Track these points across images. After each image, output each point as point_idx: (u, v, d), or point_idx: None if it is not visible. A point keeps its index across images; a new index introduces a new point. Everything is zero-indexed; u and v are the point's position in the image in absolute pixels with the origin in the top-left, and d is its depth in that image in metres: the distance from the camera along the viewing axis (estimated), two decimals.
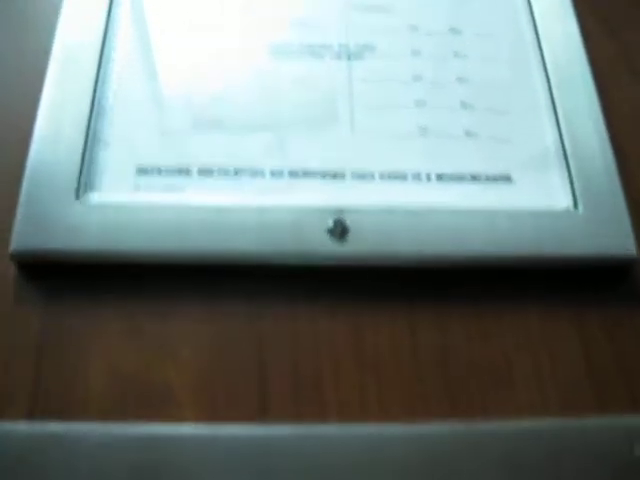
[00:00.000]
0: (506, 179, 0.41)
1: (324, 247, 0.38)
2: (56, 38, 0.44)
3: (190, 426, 0.34)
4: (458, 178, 0.41)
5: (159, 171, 0.40)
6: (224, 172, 0.40)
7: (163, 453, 0.33)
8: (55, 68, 0.43)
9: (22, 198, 0.38)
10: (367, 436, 0.34)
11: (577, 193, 0.40)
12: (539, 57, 0.46)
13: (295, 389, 0.36)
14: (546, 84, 0.45)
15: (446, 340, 0.37)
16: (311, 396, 0.35)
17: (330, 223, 0.38)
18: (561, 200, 0.41)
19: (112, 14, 0.45)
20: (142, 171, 0.40)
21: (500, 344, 0.38)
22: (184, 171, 0.40)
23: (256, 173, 0.40)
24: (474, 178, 0.41)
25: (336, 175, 0.40)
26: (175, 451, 0.33)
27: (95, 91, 0.42)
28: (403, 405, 0.35)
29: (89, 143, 0.40)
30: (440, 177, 0.41)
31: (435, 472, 0.33)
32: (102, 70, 0.43)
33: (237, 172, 0.40)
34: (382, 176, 0.40)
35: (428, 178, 0.41)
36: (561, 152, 0.42)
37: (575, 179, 0.41)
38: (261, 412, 0.35)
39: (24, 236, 0.37)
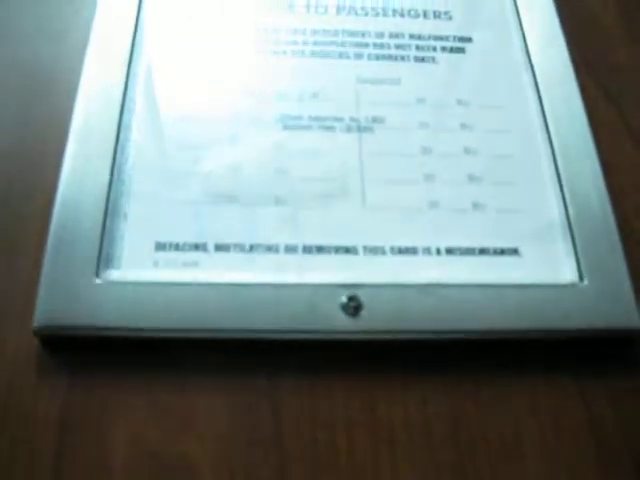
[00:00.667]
0: (513, 252, 0.42)
1: (338, 323, 0.39)
2: (76, 108, 0.45)
3: None
4: (467, 252, 0.42)
5: (177, 246, 0.41)
6: (240, 248, 0.41)
7: None
8: (75, 138, 0.43)
9: (44, 274, 0.39)
10: None
11: (582, 266, 0.41)
12: (544, 127, 0.47)
13: (312, 462, 0.37)
14: (550, 154, 0.45)
15: (456, 412, 0.38)
16: (327, 469, 0.36)
17: (344, 299, 0.39)
18: (567, 273, 0.42)
19: (129, 83, 0.46)
20: (160, 247, 0.41)
21: (509, 416, 0.39)
22: (201, 246, 0.41)
23: (270, 248, 0.41)
24: (482, 252, 0.42)
25: (349, 250, 0.41)
26: None
27: (114, 162, 0.43)
28: (415, 478, 0.37)
29: (109, 216, 0.41)
30: (450, 251, 0.42)
31: None
32: (120, 140, 0.44)
33: (252, 248, 0.41)
34: (393, 250, 0.41)
35: (438, 252, 0.42)
36: (566, 224, 0.43)
37: (580, 252, 0.42)
38: None
39: (46, 312, 0.38)
